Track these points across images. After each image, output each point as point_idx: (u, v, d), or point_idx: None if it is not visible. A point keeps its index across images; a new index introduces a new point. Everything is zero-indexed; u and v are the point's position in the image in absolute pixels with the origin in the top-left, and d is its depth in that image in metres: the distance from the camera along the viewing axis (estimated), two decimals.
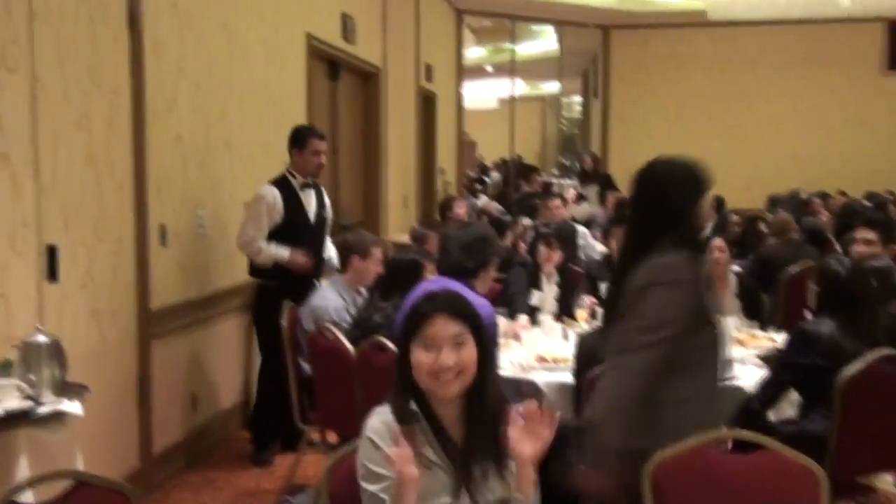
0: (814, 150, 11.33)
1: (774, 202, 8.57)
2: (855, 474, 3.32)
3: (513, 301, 4.87)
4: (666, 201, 2.48)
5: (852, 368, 3.14)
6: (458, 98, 11.53)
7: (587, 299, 4.72)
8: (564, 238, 5.59)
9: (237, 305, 5.08)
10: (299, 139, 4.74)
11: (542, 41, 14.75)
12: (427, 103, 9.92)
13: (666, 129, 11.80)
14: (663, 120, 11.89)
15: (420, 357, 1.92)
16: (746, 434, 2.33)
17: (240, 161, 5.11)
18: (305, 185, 4.74)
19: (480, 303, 2.88)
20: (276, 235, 4.60)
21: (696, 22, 11.36)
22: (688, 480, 2.27)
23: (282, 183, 4.68)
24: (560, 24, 12.89)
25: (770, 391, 3.33)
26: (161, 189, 4.23)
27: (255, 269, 4.71)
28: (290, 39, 5.91)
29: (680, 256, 2.45)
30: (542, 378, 3.61)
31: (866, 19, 11.07)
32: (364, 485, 1.92)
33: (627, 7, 11.27)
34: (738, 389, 3.45)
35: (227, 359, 5.06)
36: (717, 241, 4.72)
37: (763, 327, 4.54)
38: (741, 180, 10.21)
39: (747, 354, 3.87)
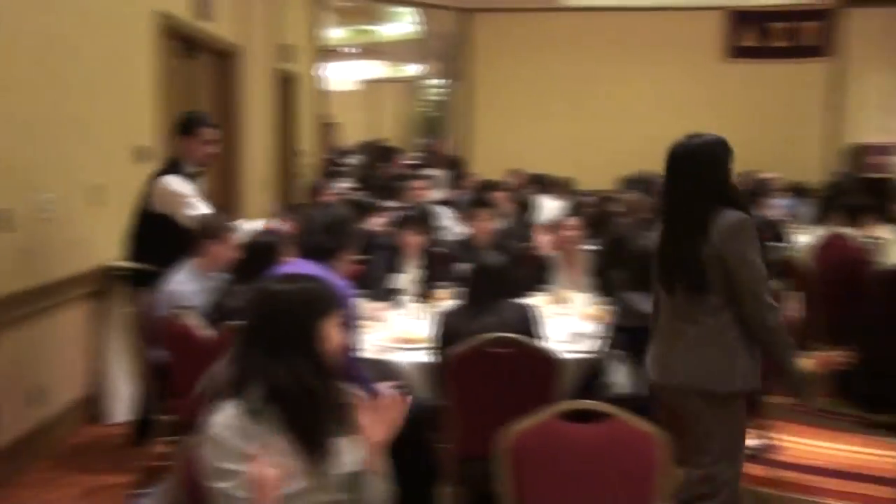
0: (662, 134, 11.75)
1: (627, 183, 8.90)
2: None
3: (374, 283, 4.86)
4: (713, 171, 2.85)
5: None
6: (319, 79, 11.38)
7: (449, 278, 4.77)
8: (425, 220, 5.63)
9: (83, 294, 4.85)
10: (187, 126, 4.56)
11: (405, 23, 14.74)
12: (286, 84, 9.74)
13: (528, 113, 12.05)
14: (526, 103, 12.12)
15: (339, 335, 2.02)
16: (593, 404, 2.42)
17: (89, 143, 4.86)
18: (194, 174, 4.57)
19: (339, 284, 2.87)
20: (158, 225, 4.41)
21: (555, 7, 11.63)
22: (543, 451, 2.34)
23: (172, 170, 4.50)
24: (420, 7, 12.92)
25: (606, 360, 3.51)
26: (2, 171, 3.96)
27: (140, 253, 4.49)
28: (137, 16, 5.65)
29: (742, 215, 2.81)
30: (401, 359, 3.63)
31: (706, 7, 11.63)
32: (214, 484, 1.87)
33: None
34: (590, 360, 3.60)
35: (72, 350, 4.82)
36: (570, 221, 4.87)
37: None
38: (598, 162, 10.56)
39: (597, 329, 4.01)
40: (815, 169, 11.01)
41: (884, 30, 11.58)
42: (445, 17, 12.58)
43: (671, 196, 2.94)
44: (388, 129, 17.78)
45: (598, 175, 9.80)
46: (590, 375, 3.50)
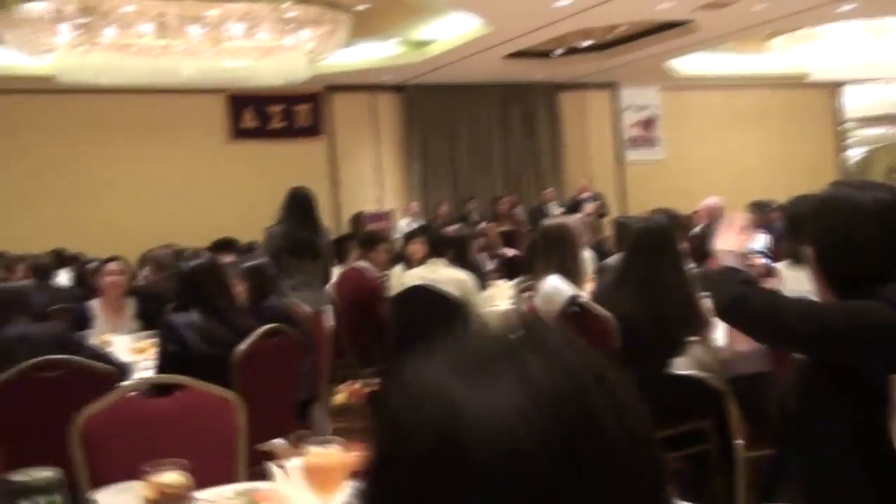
0: (177, 211, 11.76)
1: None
2: None
3: None
4: None
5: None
6: None
7: None
8: None
9: None
10: None
11: None
12: None
13: (19, 197, 11.25)
14: (7, 188, 11.32)
15: None
16: (166, 377, 2.44)
17: None
18: None
19: None
20: None
21: (44, 88, 11.08)
22: (117, 429, 2.28)
23: None
24: None
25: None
26: None
27: None
28: None
29: None
30: None
31: (208, 91, 12.04)
32: None
33: None
34: None
35: None
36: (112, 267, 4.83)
37: None
38: (119, 241, 10.10)
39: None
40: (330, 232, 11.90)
41: (361, 112, 13.19)
42: None
43: None
44: None
45: (120, 251, 9.49)
46: None
